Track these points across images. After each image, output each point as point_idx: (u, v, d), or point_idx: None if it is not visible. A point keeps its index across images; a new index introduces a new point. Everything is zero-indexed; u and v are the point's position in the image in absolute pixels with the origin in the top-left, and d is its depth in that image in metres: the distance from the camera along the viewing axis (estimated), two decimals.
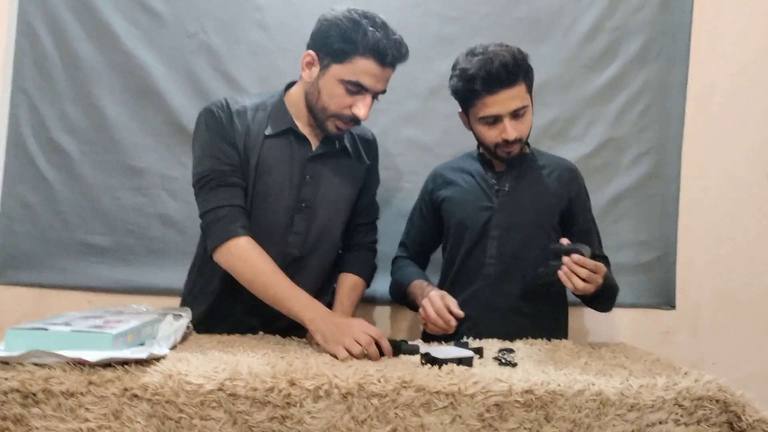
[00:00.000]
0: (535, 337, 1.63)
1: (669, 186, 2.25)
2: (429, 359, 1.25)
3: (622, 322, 2.25)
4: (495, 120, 1.70)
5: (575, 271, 1.50)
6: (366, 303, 2.19)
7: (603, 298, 1.72)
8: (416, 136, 2.24)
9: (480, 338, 1.60)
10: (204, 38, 2.21)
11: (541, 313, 1.76)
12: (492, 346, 1.51)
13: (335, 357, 1.32)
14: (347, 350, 1.31)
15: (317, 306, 1.47)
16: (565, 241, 1.55)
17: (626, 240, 2.23)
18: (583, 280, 1.51)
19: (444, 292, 1.62)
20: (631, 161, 2.25)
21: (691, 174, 2.25)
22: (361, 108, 1.57)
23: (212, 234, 1.55)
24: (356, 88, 1.55)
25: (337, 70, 1.54)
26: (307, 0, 2.20)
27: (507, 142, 1.70)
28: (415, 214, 1.98)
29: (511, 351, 1.43)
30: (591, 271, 1.51)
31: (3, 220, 2.19)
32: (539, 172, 1.83)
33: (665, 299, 2.25)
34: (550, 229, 1.78)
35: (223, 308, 1.67)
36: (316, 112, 1.61)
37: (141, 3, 2.20)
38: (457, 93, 1.74)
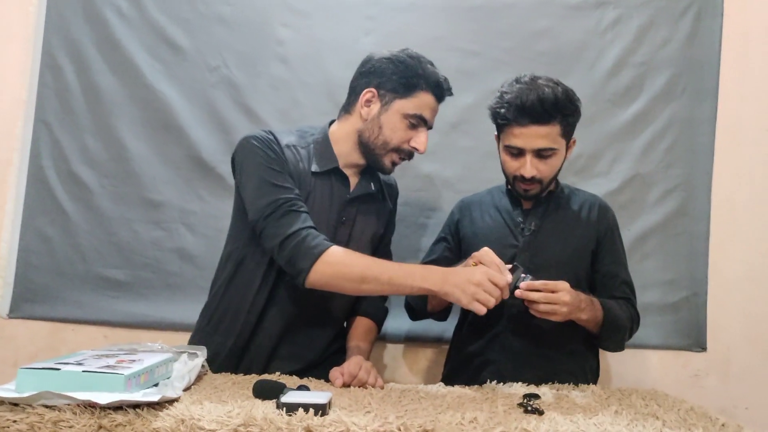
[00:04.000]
0: (561, 382, 1.57)
1: (698, 224, 2.18)
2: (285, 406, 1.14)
3: (650, 364, 2.17)
4: (519, 152, 1.65)
5: (529, 298, 1.48)
6: (385, 342, 2.15)
7: (607, 333, 1.65)
8: (436, 171, 2.21)
9: (504, 382, 1.54)
10: (225, 72, 2.22)
11: (568, 358, 1.69)
12: (516, 390, 1.46)
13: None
14: (483, 304, 1.37)
15: (435, 271, 1.46)
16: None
17: (653, 279, 2.16)
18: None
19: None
20: (658, 198, 2.19)
21: (721, 211, 2.19)
22: (420, 142, 1.62)
23: (300, 256, 1.48)
24: (417, 122, 1.61)
25: (401, 105, 1.60)
26: (329, 35, 2.21)
27: (524, 179, 1.66)
28: (439, 242, 1.91)
29: (536, 396, 1.37)
30: (542, 291, 1.47)
31: (21, 253, 2.19)
32: (568, 211, 1.78)
33: (695, 341, 2.17)
34: (580, 270, 1.72)
35: (250, 342, 1.64)
36: (373, 148, 1.63)
37: (163, 37, 2.22)
38: (492, 115, 1.71)
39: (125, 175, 2.20)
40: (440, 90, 1.62)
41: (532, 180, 1.66)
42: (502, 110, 1.64)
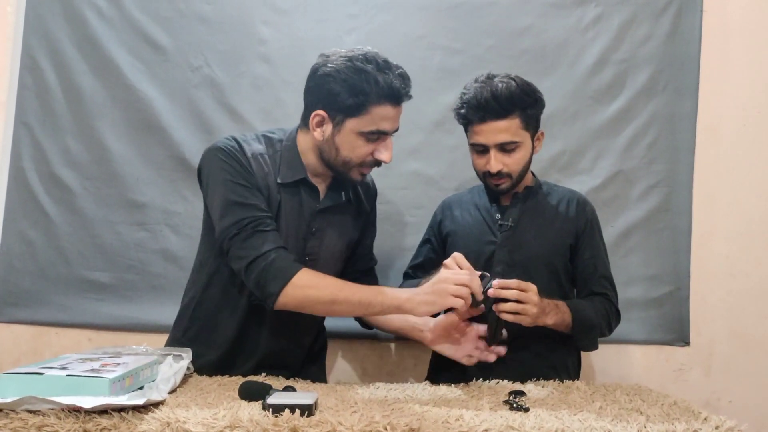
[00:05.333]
0: (545, 377, 1.58)
1: (680, 219, 2.20)
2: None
3: (634, 359, 2.19)
4: (483, 149, 1.68)
5: (502, 295, 1.49)
6: (371, 340, 2.15)
7: (578, 335, 1.67)
8: (421, 169, 2.21)
9: (488, 379, 1.55)
10: (207, 71, 2.20)
11: (549, 352, 1.70)
12: (502, 388, 1.46)
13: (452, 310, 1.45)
14: (458, 297, 1.38)
15: (404, 291, 1.47)
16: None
17: (636, 274, 2.18)
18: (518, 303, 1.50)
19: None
20: (641, 194, 2.20)
21: (703, 207, 2.21)
22: (384, 152, 1.53)
23: (269, 279, 1.43)
24: (377, 135, 1.51)
25: (353, 124, 1.49)
26: (311, 34, 2.20)
27: (492, 174, 1.68)
28: (424, 244, 1.93)
29: (522, 394, 1.38)
30: (514, 288, 1.49)
31: (3, 256, 2.16)
32: (546, 207, 1.79)
33: (678, 335, 2.19)
34: (559, 265, 1.73)
35: (236, 358, 1.60)
36: (336, 166, 1.55)
37: (144, 36, 2.20)
38: (455, 117, 1.73)
39: (108, 176, 2.18)
40: (396, 96, 1.48)
41: (500, 174, 1.68)
42: (462, 110, 1.68)
